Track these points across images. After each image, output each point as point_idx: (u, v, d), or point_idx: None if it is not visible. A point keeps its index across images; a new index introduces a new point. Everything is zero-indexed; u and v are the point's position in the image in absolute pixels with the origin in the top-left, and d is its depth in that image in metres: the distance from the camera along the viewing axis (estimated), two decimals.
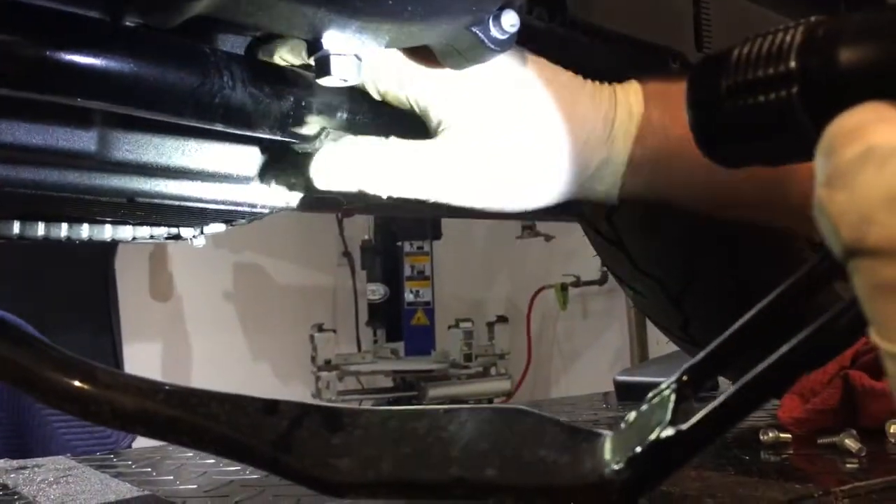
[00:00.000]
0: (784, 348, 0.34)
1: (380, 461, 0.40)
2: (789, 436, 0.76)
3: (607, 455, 0.41)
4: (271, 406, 0.42)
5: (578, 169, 0.60)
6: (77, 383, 0.41)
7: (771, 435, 0.75)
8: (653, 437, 0.38)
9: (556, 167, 0.59)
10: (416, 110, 0.58)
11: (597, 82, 0.61)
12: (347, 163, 0.57)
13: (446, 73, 0.56)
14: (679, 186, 0.61)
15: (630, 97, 0.60)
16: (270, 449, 0.40)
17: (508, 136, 0.58)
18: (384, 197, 0.57)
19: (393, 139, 0.58)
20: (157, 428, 0.41)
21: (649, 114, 0.59)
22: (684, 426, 0.37)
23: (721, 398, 0.36)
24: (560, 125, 0.59)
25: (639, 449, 0.39)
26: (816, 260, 0.34)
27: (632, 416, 0.42)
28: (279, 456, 0.40)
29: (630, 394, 1.17)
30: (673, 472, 0.38)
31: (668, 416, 0.39)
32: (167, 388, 0.43)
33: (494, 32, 0.52)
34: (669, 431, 0.38)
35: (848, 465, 0.67)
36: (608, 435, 0.42)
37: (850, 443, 0.70)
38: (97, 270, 3.09)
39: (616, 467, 0.40)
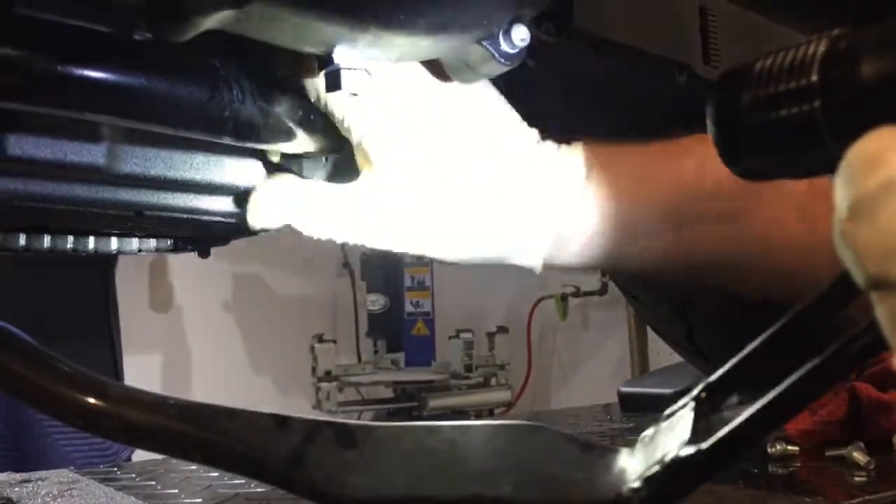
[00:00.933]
0: (803, 369, 0.33)
1: (393, 477, 0.40)
2: (797, 448, 0.75)
3: (624, 473, 0.41)
4: (282, 422, 0.42)
5: (500, 231, 0.58)
6: (90, 399, 0.41)
7: (778, 447, 0.75)
8: (671, 455, 0.38)
9: (478, 223, 0.57)
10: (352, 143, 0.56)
11: (538, 135, 0.58)
12: (276, 201, 0.57)
13: (381, 104, 0.54)
14: (617, 258, 0.58)
15: (573, 164, 0.57)
16: (283, 465, 0.40)
17: (433, 183, 0.56)
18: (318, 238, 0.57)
19: (318, 181, 0.58)
20: (168, 444, 0.41)
21: (593, 185, 0.56)
22: (704, 445, 0.37)
23: (741, 418, 0.36)
24: (491, 178, 0.56)
25: (657, 468, 0.38)
26: (835, 280, 0.34)
27: (649, 432, 0.41)
28: (292, 472, 0.40)
29: (634, 405, 1.17)
30: (691, 491, 0.38)
31: (688, 434, 0.38)
32: (178, 403, 0.43)
33: (505, 46, 0.52)
34: (689, 450, 0.37)
35: (856, 479, 0.67)
36: (624, 451, 0.42)
37: (858, 455, 0.70)
38: (97, 281, 3.08)
39: (634, 485, 0.39)
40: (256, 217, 0.58)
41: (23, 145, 0.51)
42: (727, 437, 0.36)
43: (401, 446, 0.41)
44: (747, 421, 0.36)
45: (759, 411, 0.35)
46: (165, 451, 0.42)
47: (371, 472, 0.41)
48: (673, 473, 0.38)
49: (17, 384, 0.42)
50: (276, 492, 0.73)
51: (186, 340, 3.38)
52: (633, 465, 0.40)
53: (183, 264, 3.23)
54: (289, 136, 0.55)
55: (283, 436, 0.41)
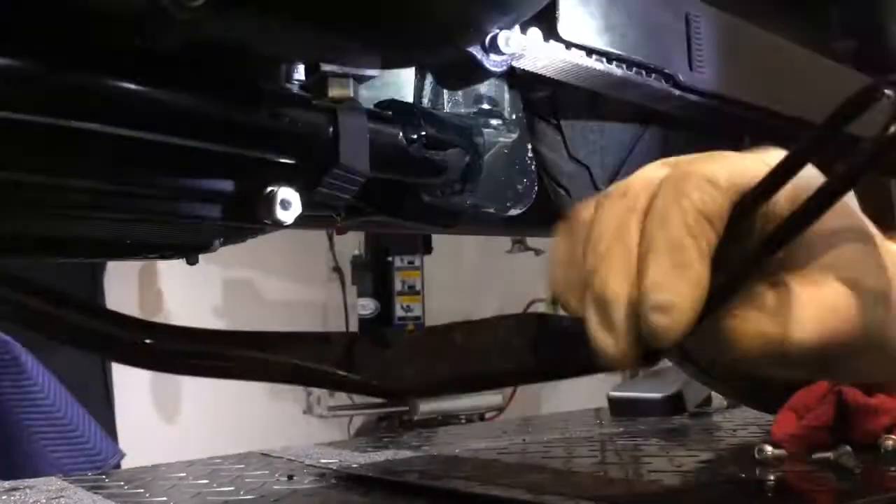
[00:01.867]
0: None
1: (435, 366, 0.47)
2: (784, 452, 0.76)
3: None
4: (325, 338, 0.47)
5: None
6: (151, 342, 0.45)
7: (766, 452, 0.75)
8: None
9: None
10: None
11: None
12: None
13: None
14: None
15: None
16: (338, 370, 0.46)
17: None
18: None
19: None
20: (235, 369, 0.46)
21: None
22: None
23: None
24: None
25: None
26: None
27: None
28: (346, 375, 0.46)
29: (624, 409, 1.17)
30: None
31: None
32: (237, 334, 0.47)
33: (492, 55, 0.52)
34: None
35: (843, 482, 0.67)
36: None
37: (846, 459, 0.70)
38: (86, 287, 3.07)
39: None
40: None
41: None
42: None
43: (430, 343, 0.48)
44: None
45: None
46: (232, 375, 0.46)
47: (413, 364, 0.47)
48: None
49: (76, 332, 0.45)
50: (265, 497, 0.73)
51: None
52: None
53: (172, 270, 3.23)
54: (276, 142, 0.55)
55: (330, 347, 0.47)
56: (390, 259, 3.21)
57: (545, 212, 0.76)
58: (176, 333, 0.47)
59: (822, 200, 0.35)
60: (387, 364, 0.47)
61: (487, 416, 3.18)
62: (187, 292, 3.35)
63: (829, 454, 0.72)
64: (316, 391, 3.07)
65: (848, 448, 0.72)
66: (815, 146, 0.36)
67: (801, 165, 0.36)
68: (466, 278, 3.60)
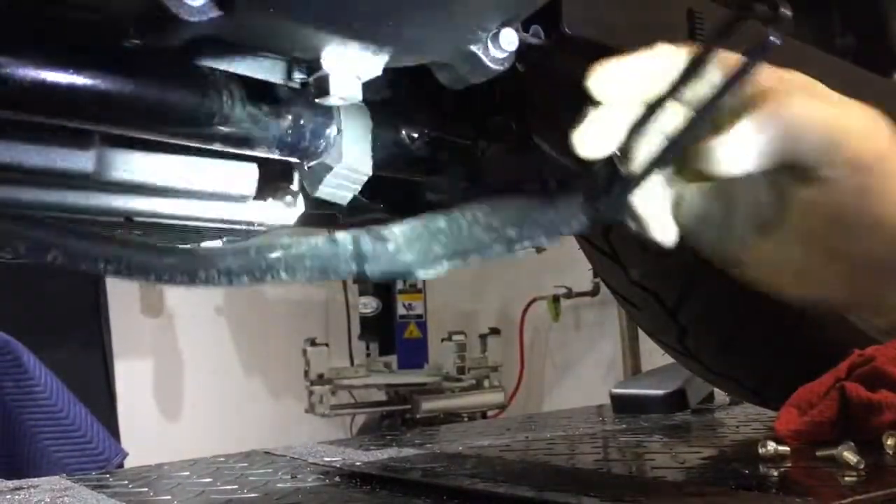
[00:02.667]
0: None
1: (431, 248, 0.53)
2: (787, 448, 0.76)
3: None
4: (332, 238, 0.51)
5: None
6: (176, 258, 0.47)
7: (769, 448, 0.75)
8: None
9: None
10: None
11: None
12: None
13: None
14: None
15: None
16: (351, 263, 0.50)
17: None
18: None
19: None
20: (261, 274, 0.48)
21: None
22: None
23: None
24: None
25: None
26: None
27: None
28: (361, 266, 0.51)
29: (626, 406, 1.17)
30: None
31: None
32: (257, 245, 0.50)
33: (493, 51, 0.52)
34: None
35: (847, 478, 0.67)
36: None
37: (849, 455, 0.70)
38: (88, 286, 3.08)
39: None
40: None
41: (10, 152, 0.51)
42: None
43: (431, 230, 0.54)
44: None
45: None
46: (256, 279, 0.48)
47: (418, 249, 0.52)
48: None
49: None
50: (267, 496, 0.73)
51: (178, 345, 3.37)
52: None
53: None
54: (280, 140, 0.55)
55: (341, 246, 0.51)
56: None
57: None
58: (215, 251, 0.50)
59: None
60: (394, 255, 0.52)
61: (490, 413, 3.18)
62: (189, 291, 3.34)
63: (832, 450, 0.72)
64: (317, 389, 3.07)
65: (851, 444, 0.72)
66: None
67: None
68: (468, 276, 3.60)
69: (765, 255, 0.53)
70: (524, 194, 0.58)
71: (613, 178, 0.54)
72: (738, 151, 0.48)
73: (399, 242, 0.53)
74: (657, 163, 0.52)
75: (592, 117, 0.51)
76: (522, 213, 0.56)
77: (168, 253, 0.47)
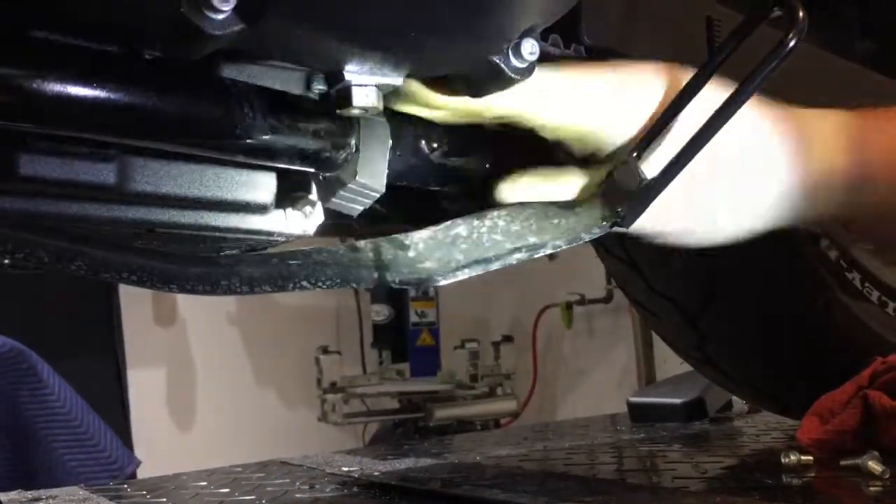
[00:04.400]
0: None
1: (451, 255, 0.54)
2: (811, 458, 0.75)
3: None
4: (353, 246, 0.52)
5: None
6: (200, 266, 0.48)
7: (792, 458, 0.74)
8: None
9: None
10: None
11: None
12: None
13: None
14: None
15: (828, 139, 0.60)
16: (374, 272, 0.51)
17: None
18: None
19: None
20: (283, 282, 0.49)
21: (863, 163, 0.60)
22: None
23: None
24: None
25: None
26: None
27: None
28: (382, 274, 0.52)
29: (644, 415, 1.17)
30: None
31: None
32: (278, 253, 0.51)
33: (514, 61, 0.52)
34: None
35: (872, 488, 0.66)
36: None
37: (874, 465, 0.70)
38: (101, 296, 3.09)
39: None
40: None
41: (34, 165, 0.51)
42: None
43: (441, 238, 0.54)
44: None
45: None
46: (280, 288, 0.49)
47: (434, 257, 0.53)
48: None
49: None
50: None
51: (190, 353, 3.37)
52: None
53: None
54: (301, 152, 0.55)
55: (361, 253, 0.52)
56: None
57: None
58: (235, 260, 0.51)
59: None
60: (413, 261, 0.53)
61: (502, 421, 3.17)
62: (201, 300, 3.35)
63: (856, 460, 0.71)
64: (330, 398, 3.06)
65: (875, 453, 0.71)
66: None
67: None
68: (480, 283, 3.58)
69: None
70: (544, 200, 0.58)
71: (633, 184, 0.54)
72: None
73: (419, 250, 0.53)
74: (676, 167, 0.53)
75: None
76: (543, 220, 0.56)
77: (190, 262, 0.47)
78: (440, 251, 0.54)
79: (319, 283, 0.50)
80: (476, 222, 0.55)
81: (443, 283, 0.54)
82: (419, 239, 0.54)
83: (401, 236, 0.54)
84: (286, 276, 0.49)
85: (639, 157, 0.55)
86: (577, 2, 0.53)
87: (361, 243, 0.53)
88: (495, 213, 0.56)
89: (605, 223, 0.56)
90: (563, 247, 0.56)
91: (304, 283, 0.50)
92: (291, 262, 0.50)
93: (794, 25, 0.51)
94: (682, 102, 0.54)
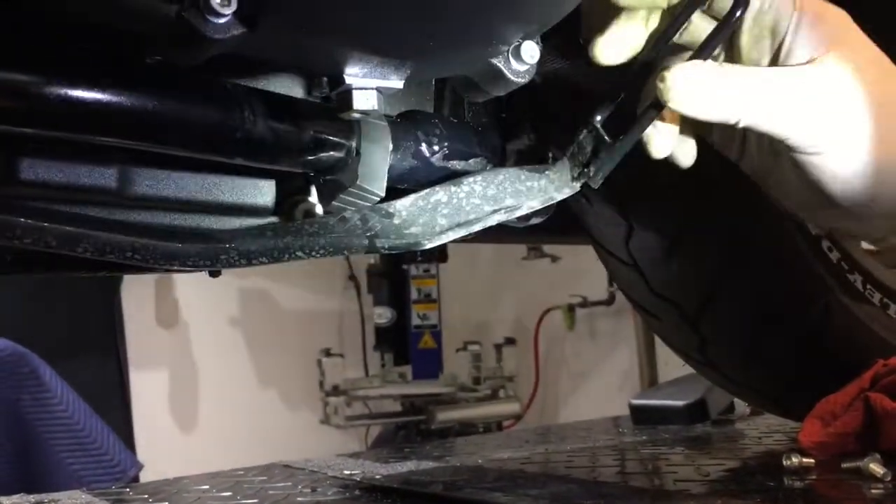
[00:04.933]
0: None
1: (435, 220, 0.56)
2: (812, 461, 0.75)
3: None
4: (342, 217, 0.54)
5: None
6: (199, 243, 0.49)
7: (794, 460, 0.74)
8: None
9: None
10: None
11: None
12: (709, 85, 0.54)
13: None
14: None
15: None
16: (364, 239, 0.53)
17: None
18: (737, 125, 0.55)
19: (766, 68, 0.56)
20: (279, 254, 0.51)
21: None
22: None
23: None
24: None
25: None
26: None
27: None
28: (372, 241, 0.54)
29: (646, 417, 1.16)
30: None
31: None
32: (272, 226, 0.53)
33: (515, 64, 0.52)
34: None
35: (874, 491, 0.66)
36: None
37: (875, 467, 0.70)
38: (103, 298, 3.10)
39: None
40: (686, 100, 0.53)
41: (36, 169, 0.51)
42: None
43: (428, 201, 0.57)
44: None
45: None
46: (277, 259, 0.51)
47: (420, 223, 0.56)
48: None
49: None
50: None
51: (193, 356, 3.38)
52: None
53: (188, 280, 3.24)
54: (301, 154, 0.55)
55: (351, 223, 0.54)
56: (406, 267, 3.21)
57: (563, 220, 0.75)
58: (233, 234, 0.52)
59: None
60: (400, 227, 0.56)
61: (505, 424, 3.17)
62: (203, 302, 3.36)
63: (858, 462, 0.71)
64: (332, 401, 3.06)
65: (877, 456, 0.71)
66: None
67: None
68: (482, 286, 3.60)
69: None
70: (517, 165, 0.61)
71: (599, 145, 0.59)
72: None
73: (404, 217, 0.57)
74: (638, 130, 0.56)
75: (614, 24, 0.55)
76: (516, 182, 0.60)
77: (190, 238, 0.49)
78: (424, 217, 0.57)
79: (313, 253, 0.53)
80: (454, 188, 0.58)
81: (428, 246, 0.57)
82: (402, 207, 0.57)
83: (385, 205, 0.57)
84: (281, 247, 0.51)
85: (602, 120, 0.58)
86: (577, 4, 0.53)
87: (349, 213, 0.55)
88: (471, 178, 0.59)
89: (574, 183, 0.60)
90: (538, 207, 0.60)
91: (300, 254, 0.52)
92: (286, 234, 0.52)
93: None
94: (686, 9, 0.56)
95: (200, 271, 0.53)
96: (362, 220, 0.55)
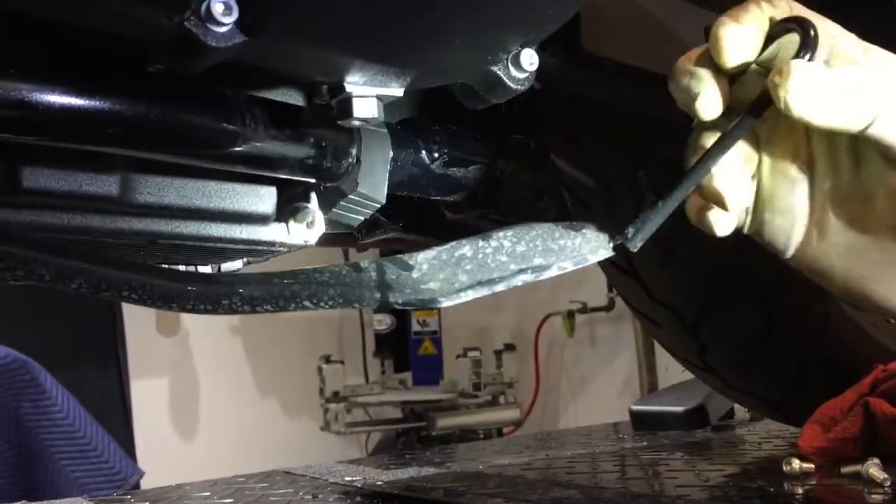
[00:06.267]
0: None
1: (456, 276, 0.53)
2: (812, 466, 0.75)
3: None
4: (357, 266, 0.52)
5: None
6: (200, 285, 0.47)
7: (794, 465, 0.74)
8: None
9: None
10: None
11: None
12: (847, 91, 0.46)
13: None
14: None
15: None
16: (376, 292, 0.51)
17: None
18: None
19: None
20: (285, 302, 0.49)
21: None
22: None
23: None
24: None
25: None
26: None
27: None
28: (385, 295, 0.51)
29: (646, 423, 1.16)
30: None
31: None
32: (280, 273, 0.51)
33: (514, 71, 0.52)
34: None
35: (874, 496, 0.67)
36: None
37: (875, 472, 0.70)
38: (104, 306, 3.10)
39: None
40: (813, 106, 0.46)
41: (37, 177, 0.51)
42: None
43: (444, 259, 0.54)
44: None
45: None
46: (282, 308, 0.49)
47: (438, 279, 0.53)
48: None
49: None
50: None
51: (193, 364, 3.37)
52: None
53: None
54: (301, 162, 0.56)
55: (364, 274, 0.51)
56: None
57: None
58: (236, 280, 0.49)
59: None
60: (417, 282, 0.53)
61: (505, 430, 3.17)
62: None
63: (857, 467, 0.71)
64: (333, 407, 3.06)
65: (877, 461, 0.71)
66: None
67: None
68: None
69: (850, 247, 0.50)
70: (550, 220, 0.57)
71: (640, 205, 0.53)
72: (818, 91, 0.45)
73: (424, 270, 0.53)
74: (682, 192, 0.52)
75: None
76: (549, 241, 0.55)
77: (192, 280, 0.47)
78: (444, 272, 0.53)
79: (322, 304, 0.50)
80: (482, 243, 0.54)
81: (445, 304, 0.53)
82: (423, 259, 0.53)
83: (405, 256, 0.53)
84: (288, 296, 0.48)
85: (646, 177, 0.54)
86: (576, 12, 0.54)
87: (365, 263, 0.52)
88: (501, 233, 0.55)
89: (611, 245, 0.55)
90: (569, 269, 0.55)
91: (307, 304, 0.49)
92: (293, 281, 0.49)
93: (806, 42, 0.47)
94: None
95: (201, 314, 0.51)
96: (378, 272, 0.51)
